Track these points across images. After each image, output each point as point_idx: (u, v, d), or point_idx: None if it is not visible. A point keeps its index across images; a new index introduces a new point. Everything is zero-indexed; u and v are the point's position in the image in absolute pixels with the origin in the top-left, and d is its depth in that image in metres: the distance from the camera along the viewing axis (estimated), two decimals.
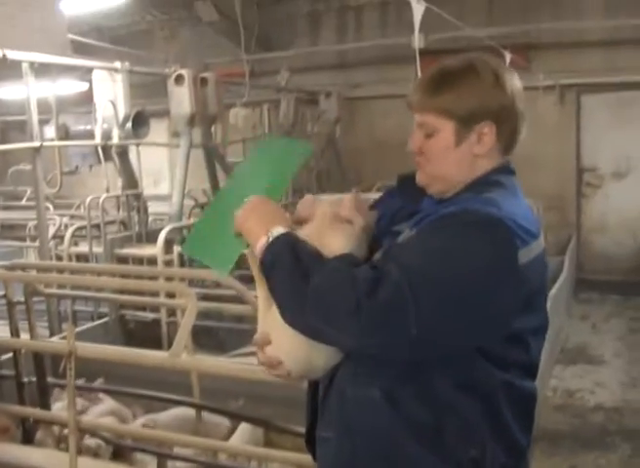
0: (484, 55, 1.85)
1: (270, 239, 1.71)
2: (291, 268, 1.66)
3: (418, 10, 3.31)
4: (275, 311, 1.74)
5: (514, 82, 1.82)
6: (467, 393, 1.71)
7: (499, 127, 1.79)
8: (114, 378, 4.36)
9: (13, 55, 5.13)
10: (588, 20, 8.99)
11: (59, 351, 3.41)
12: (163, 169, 11.66)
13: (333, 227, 1.85)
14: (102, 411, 4.27)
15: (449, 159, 1.80)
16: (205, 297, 5.63)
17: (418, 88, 1.83)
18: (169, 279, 4.75)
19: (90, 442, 3.82)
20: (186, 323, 3.23)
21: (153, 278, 5.01)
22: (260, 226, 1.75)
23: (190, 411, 4.07)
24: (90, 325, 5.82)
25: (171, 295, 5.08)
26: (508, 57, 5.57)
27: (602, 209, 9.86)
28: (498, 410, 1.74)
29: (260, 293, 1.87)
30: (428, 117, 1.80)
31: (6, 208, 10.39)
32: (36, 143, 5.53)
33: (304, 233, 1.82)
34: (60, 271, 5.28)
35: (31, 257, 7.82)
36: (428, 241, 1.65)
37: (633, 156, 9.58)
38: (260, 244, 1.72)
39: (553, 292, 6.19)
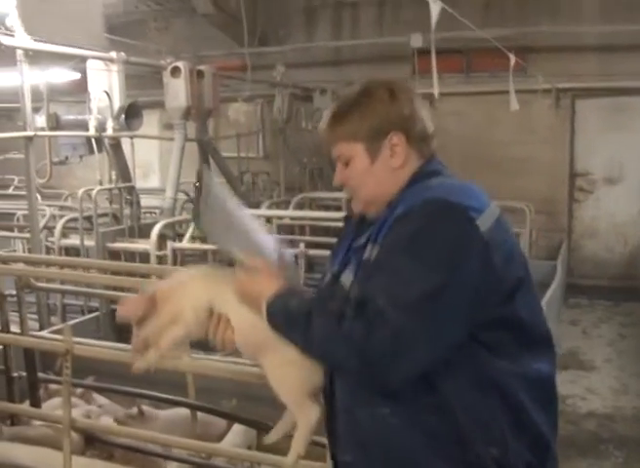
0: (377, 78, 1.97)
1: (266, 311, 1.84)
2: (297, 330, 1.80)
3: (434, 9, 3.25)
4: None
5: (410, 93, 1.91)
6: (482, 392, 1.73)
7: (407, 134, 1.87)
8: (105, 375, 4.26)
9: (7, 41, 5.04)
10: (585, 25, 8.98)
11: (55, 349, 3.32)
12: (153, 161, 11.55)
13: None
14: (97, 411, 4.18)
15: (370, 179, 1.88)
16: None
17: (324, 125, 1.94)
18: (160, 276, 4.66)
19: None
20: None
21: (145, 275, 4.91)
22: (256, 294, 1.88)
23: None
24: (81, 319, 5.72)
25: None
26: (513, 59, 5.51)
27: (593, 214, 9.88)
28: (517, 404, 1.75)
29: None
30: (340, 147, 1.90)
31: None
32: (29, 133, 5.43)
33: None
34: (51, 264, 5.19)
35: (19, 248, 7.72)
36: (397, 256, 1.71)
37: (626, 162, 9.61)
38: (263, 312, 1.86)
39: (546, 297, 6.17)
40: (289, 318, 1.80)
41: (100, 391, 4.37)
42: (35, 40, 5.27)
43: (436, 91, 3.62)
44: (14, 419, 4.06)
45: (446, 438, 1.73)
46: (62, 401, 3.28)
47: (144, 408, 4.23)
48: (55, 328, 5.27)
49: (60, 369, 3.34)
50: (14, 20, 5.06)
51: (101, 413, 4.15)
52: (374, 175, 1.87)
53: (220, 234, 1.98)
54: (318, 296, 1.85)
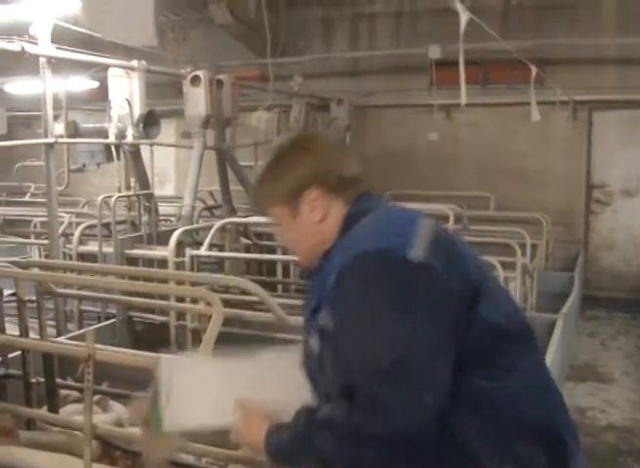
0: (290, 136, 2.11)
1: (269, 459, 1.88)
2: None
3: (463, 18, 3.25)
4: None
5: (322, 144, 2.00)
6: (479, 413, 1.74)
7: (324, 186, 1.92)
8: (118, 381, 4.24)
9: (31, 49, 5.07)
10: (604, 38, 8.96)
11: (78, 354, 3.31)
12: (169, 169, 11.58)
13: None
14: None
15: (298, 237, 1.99)
16: None
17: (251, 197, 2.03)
18: (180, 282, 4.67)
19: None
20: (212, 331, 3.16)
21: (163, 281, 4.92)
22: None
23: None
24: (97, 326, 5.72)
25: (180, 299, 5.00)
26: (534, 70, 5.49)
27: (610, 226, 9.85)
28: (518, 414, 1.76)
29: None
30: (269, 212, 2.01)
31: (7, 203, 10.27)
32: (50, 139, 5.46)
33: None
34: (69, 270, 5.21)
35: (35, 255, 7.73)
36: (355, 326, 1.73)
37: None
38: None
39: (565, 308, 6.14)
40: (290, 453, 1.83)
41: (118, 397, 4.35)
42: (58, 47, 5.32)
43: (463, 99, 3.60)
44: (29, 425, 4.05)
45: (459, 464, 1.76)
46: (84, 407, 3.26)
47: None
48: (72, 334, 5.27)
49: (82, 375, 3.34)
50: (38, 29, 5.11)
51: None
52: (300, 232, 1.97)
53: (189, 421, 1.97)
54: (304, 415, 1.83)
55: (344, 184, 1.94)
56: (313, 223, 1.93)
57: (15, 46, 4.95)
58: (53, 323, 5.58)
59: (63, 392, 4.46)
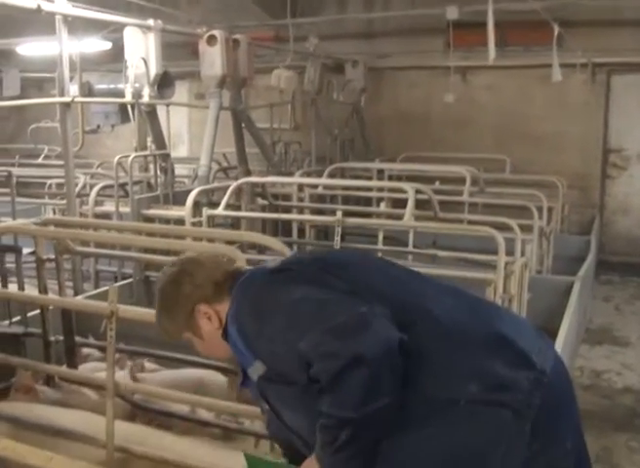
0: (165, 270, 2.36)
1: None
2: None
3: None
4: None
5: (190, 267, 2.30)
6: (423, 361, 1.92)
7: (206, 298, 2.23)
8: (135, 339, 4.23)
9: (47, 6, 5.02)
10: None
11: (100, 311, 3.31)
12: (182, 132, 11.51)
13: None
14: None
15: (211, 346, 2.30)
16: None
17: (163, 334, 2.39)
18: (197, 239, 4.65)
19: None
20: None
21: (181, 238, 4.90)
22: None
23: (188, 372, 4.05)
24: (116, 285, 5.72)
25: None
26: (556, 29, 5.41)
27: (626, 190, 9.79)
28: (460, 338, 1.95)
29: None
30: (183, 339, 2.32)
31: (21, 165, 10.24)
32: (67, 99, 5.42)
33: None
34: (86, 228, 5.21)
35: (50, 216, 7.72)
36: (284, 334, 1.99)
37: None
38: None
39: (582, 272, 6.12)
40: (329, 438, 1.94)
41: (136, 356, 4.35)
42: (74, 5, 5.27)
43: (491, 59, 3.54)
44: (49, 382, 4.06)
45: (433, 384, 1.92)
46: (107, 364, 3.27)
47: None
48: (90, 293, 5.29)
49: (104, 333, 3.34)
50: None
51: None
52: (212, 341, 2.27)
53: None
54: (320, 431, 1.96)
55: (221, 286, 2.24)
56: (216, 331, 2.23)
57: (31, 3, 4.90)
58: (70, 283, 5.60)
59: (85, 351, 4.49)
